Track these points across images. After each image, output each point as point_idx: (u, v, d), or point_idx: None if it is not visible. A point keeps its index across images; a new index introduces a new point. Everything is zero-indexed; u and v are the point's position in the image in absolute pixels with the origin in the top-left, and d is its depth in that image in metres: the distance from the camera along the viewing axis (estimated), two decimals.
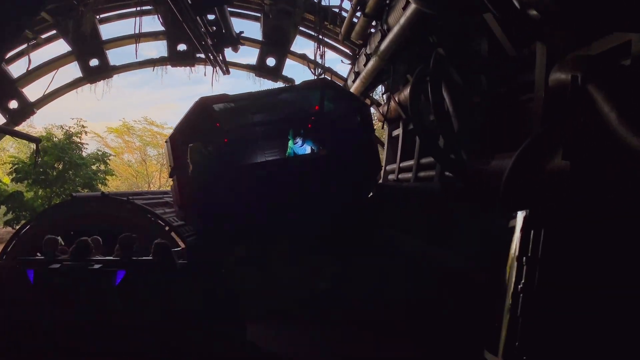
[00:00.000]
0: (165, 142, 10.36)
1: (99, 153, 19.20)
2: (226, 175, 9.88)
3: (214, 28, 11.40)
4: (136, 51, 15.29)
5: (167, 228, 11.53)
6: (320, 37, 13.85)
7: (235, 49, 15.00)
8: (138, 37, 16.31)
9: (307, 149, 10.91)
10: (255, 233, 9.87)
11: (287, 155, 11.07)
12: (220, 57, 12.50)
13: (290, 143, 11.04)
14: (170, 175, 10.52)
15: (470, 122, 7.58)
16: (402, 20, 7.94)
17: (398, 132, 14.70)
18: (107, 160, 18.96)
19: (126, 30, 16.13)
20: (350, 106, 10.44)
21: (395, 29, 8.51)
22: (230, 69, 16.92)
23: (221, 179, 9.89)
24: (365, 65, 11.64)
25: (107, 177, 18.23)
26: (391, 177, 14.53)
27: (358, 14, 12.98)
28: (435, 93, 7.76)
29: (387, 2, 9.38)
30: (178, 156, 9.97)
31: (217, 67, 13.18)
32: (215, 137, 9.97)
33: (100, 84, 17.18)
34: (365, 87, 12.00)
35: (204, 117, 10.12)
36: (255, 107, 10.36)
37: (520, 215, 3.09)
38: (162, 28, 17.03)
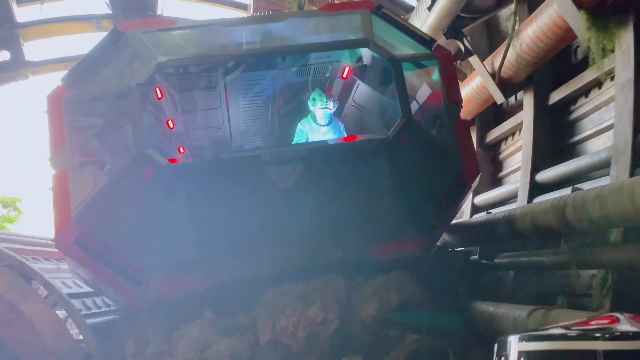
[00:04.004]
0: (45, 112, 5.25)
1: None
2: (166, 177, 4.78)
3: None
4: None
5: (46, 298, 6.27)
6: None
7: None
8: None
9: (338, 132, 5.97)
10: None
11: (298, 142, 6.09)
12: None
13: (305, 121, 6.11)
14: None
15: None
16: None
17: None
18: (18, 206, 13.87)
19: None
20: (420, 56, 5.56)
21: None
22: None
23: (156, 185, 4.79)
24: None
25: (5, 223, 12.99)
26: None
27: None
28: None
29: None
30: (60, 133, 4.93)
31: None
32: (140, 98, 4.89)
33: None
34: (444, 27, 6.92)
35: (123, 58, 5.16)
36: (233, 44, 5.41)
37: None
38: (107, 11, 12.59)
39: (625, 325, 2.54)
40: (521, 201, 6.91)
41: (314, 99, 6.16)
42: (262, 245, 4.98)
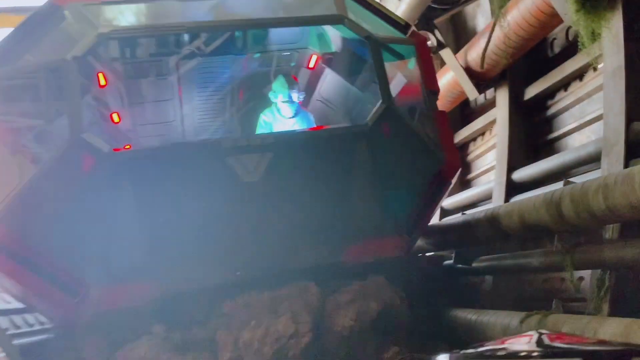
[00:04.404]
0: None
1: None
2: (109, 168, 4.09)
3: None
4: None
5: None
6: None
7: None
8: None
9: (307, 123, 5.46)
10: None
11: (260, 131, 5.53)
12: None
13: (269, 111, 5.56)
14: None
15: None
16: None
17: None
18: None
19: None
20: (397, 39, 5.14)
21: None
22: None
23: (96, 177, 4.09)
24: None
25: None
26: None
27: None
28: None
29: None
30: None
31: None
32: (77, 74, 4.20)
33: None
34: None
35: (59, 34, 4.49)
36: (190, 20, 4.81)
37: None
38: None
39: (547, 343, 2.45)
40: (497, 201, 6.56)
41: (274, 91, 5.61)
42: (221, 248, 4.37)
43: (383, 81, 4.45)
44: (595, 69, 5.46)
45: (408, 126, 4.57)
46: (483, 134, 8.00)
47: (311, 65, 6.13)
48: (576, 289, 4.92)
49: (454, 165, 5.08)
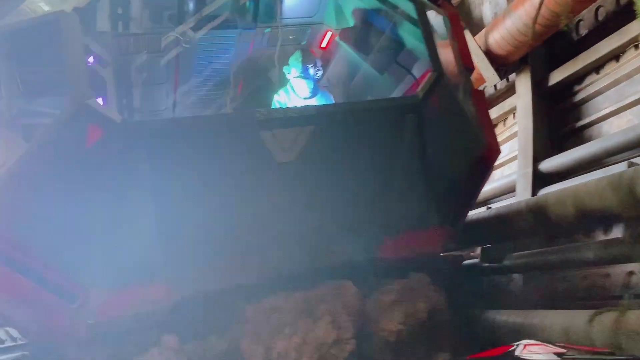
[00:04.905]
0: None
1: None
2: (119, 142, 3.43)
3: None
4: None
5: None
6: None
7: None
8: None
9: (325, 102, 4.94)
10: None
11: (277, 107, 4.98)
12: None
13: (283, 91, 5.01)
14: None
15: None
16: None
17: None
18: None
19: None
20: (431, 7, 4.65)
21: None
22: None
23: (102, 154, 3.43)
24: None
25: None
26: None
27: None
28: None
29: None
30: None
31: None
32: (80, 28, 3.54)
33: None
34: None
35: None
36: None
37: None
38: None
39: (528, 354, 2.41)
40: (522, 195, 6.12)
41: (289, 66, 5.07)
42: (247, 243, 3.77)
43: (432, 47, 3.95)
44: (637, 47, 5.13)
45: (456, 101, 4.08)
46: (496, 125, 7.61)
47: (324, 44, 5.60)
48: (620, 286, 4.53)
49: (496, 149, 4.64)
